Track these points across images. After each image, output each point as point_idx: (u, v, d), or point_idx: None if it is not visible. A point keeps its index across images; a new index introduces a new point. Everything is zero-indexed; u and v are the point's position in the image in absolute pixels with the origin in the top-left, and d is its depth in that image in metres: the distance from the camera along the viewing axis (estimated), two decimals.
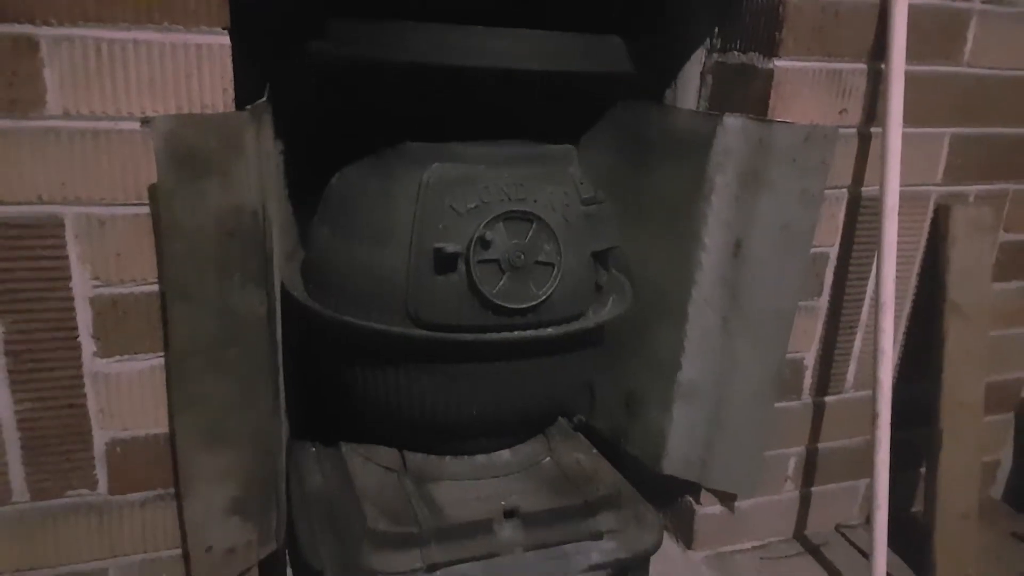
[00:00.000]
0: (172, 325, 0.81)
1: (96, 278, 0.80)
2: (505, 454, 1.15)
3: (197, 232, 0.78)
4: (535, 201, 0.96)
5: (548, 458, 1.17)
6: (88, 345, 0.81)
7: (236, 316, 0.85)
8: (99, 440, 0.85)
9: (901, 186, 1.06)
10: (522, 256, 0.95)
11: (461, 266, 0.94)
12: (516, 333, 0.97)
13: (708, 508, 1.26)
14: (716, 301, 1.14)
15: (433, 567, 0.98)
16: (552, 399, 1.13)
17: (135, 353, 0.83)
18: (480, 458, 1.13)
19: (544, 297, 0.97)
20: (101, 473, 0.86)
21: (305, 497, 1.10)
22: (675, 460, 1.23)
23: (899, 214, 1.05)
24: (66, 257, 0.78)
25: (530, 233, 0.96)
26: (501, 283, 0.95)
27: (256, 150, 0.83)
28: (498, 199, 0.94)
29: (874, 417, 1.10)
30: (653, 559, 1.15)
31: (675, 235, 1.15)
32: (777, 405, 1.21)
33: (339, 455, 1.15)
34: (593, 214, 1.04)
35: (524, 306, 0.96)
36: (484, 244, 0.93)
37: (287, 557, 1.09)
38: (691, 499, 1.26)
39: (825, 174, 1.05)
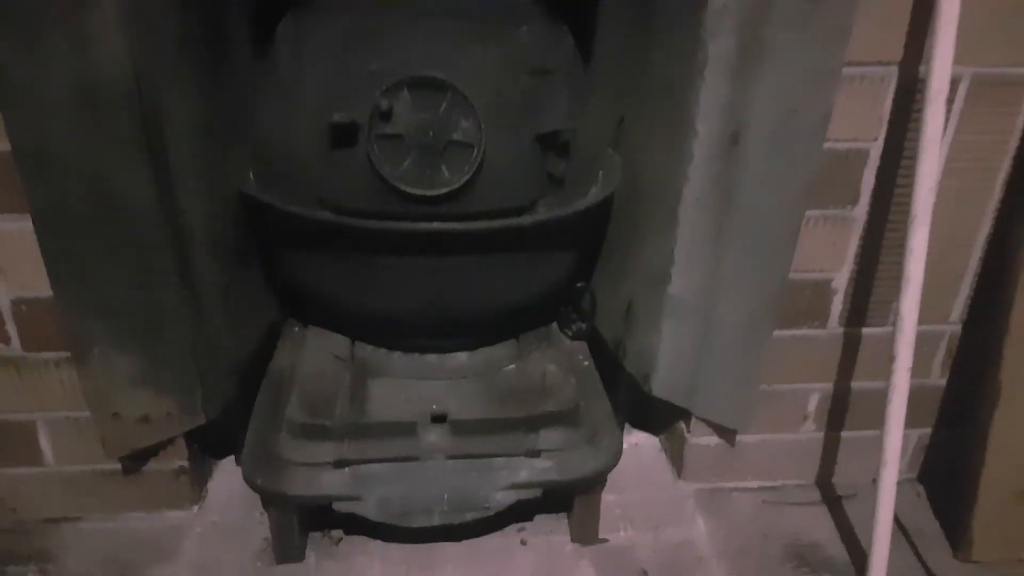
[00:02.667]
0: (32, 198, 0.79)
1: None
2: (460, 356, 1.06)
3: (48, 104, 0.74)
4: (457, 66, 0.82)
5: (512, 365, 1.07)
6: None
7: (115, 195, 0.81)
8: (3, 297, 0.86)
9: (983, 66, 0.79)
10: (431, 133, 0.82)
11: (361, 140, 0.83)
12: (420, 224, 0.86)
13: (701, 438, 1.11)
14: (709, 203, 0.95)
15: (342, 463, 0.93)
16: (508, 302, 1.01)
17: (23, 212, 0.82)
18: (431, 358, 1.05)
19: (459, 184, 0.84)
20: (12, 330, 0.88)
21: (266, 377, 1.09)
22: (664, 382, 1.08)
23: (976, 104, 0.79)
24: None
25: (443, 105, 0.82)
26: (406, 164, 0.83)
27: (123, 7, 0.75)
28: (405, 62, 0.81)
29: (891, 358, 0.88)
30: (640, 482, 1.07)
31: (668, 122, 0.96)
32: (794, 332, 1.02)
33: (304, 337, 1.12)
34: (542, 89, 0.88)
35: (432, 193, 0.84)
36: (384, 116, 0.81)
37: None
38: (684, 425, 1.12)
39: (844, 43, 0.81)
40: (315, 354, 1.08)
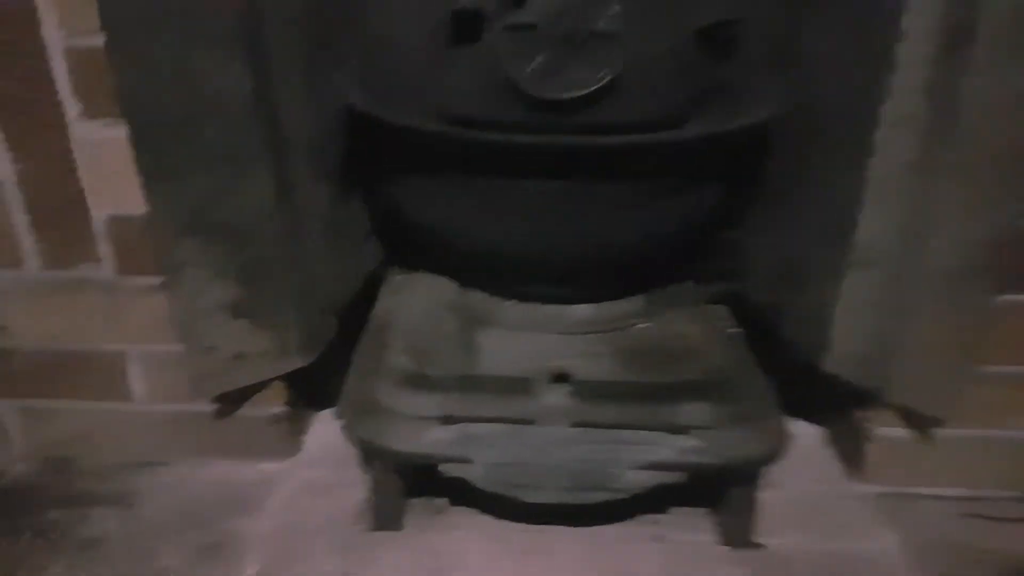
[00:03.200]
0: (126, 99, 0.71)
1: (64, 26, 0.71)
2: (585, 309, 0.90)
3: None
4: None
5: (644, 324, 0.90)
6: (71, 106, 0.75)
7: (211, 97, 0.72)
8: (97, 215, 0.80)
9: None
10: (568, 21, 0.67)
11: (487, 34, 0.69)
12: (551, 137, 0.71)
13: (886, 430, 0.89)
14: (917, 125, 0.74)
15: (449, 419, 0.80)
16: (645, 245, 0.85)
17: (118, 116, 0.74)
18: (549, 309, 0.90)
19: (599, 85, 0.68)
20: (105, 250, 0.82)
21: (368, 323, 0.98)
22: (841, 355, 0.87)
23: None
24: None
25: None
26: (537, 61, 0.69)
27: None
28: None
29: None
30: (803, 480, 0.88)
31: (863, 20, 0.76)
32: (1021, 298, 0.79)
33: (409, 283, 1.01)
34: None
35: (568, 95, 0.69)
36: (516, 1, 0.67)
37: None
38: (862, 413, 0.91)
39: None
40: (420, 300, 0.96)
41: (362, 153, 0.92)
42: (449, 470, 0.79)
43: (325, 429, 0.99)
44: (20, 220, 0.80)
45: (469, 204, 0.83)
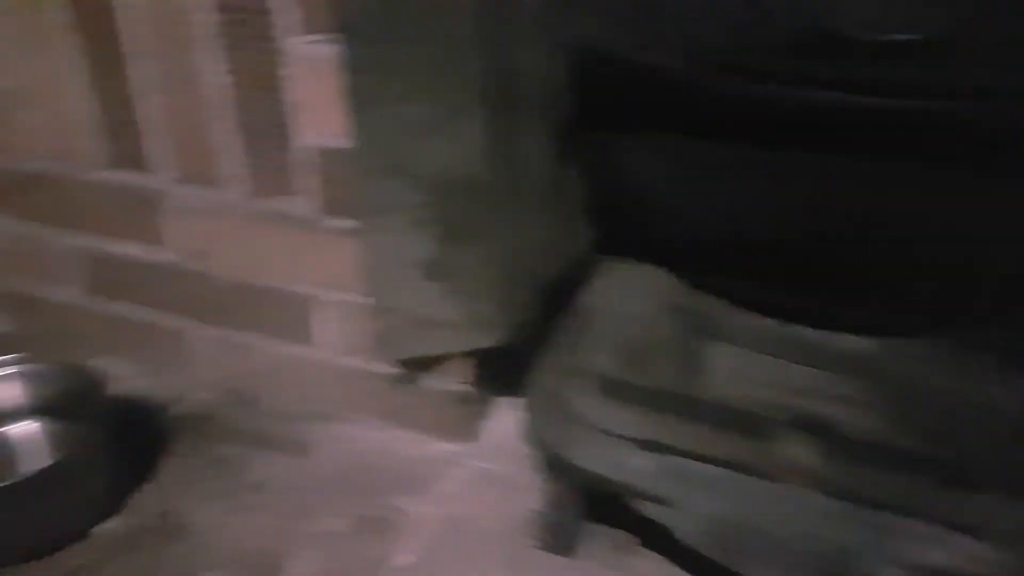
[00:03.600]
0: (344, 11, 0.61)
1: None
2: (858, 341, 0.69)
3: None
4: None
5: (941, 373, 0.68)
6: (284, 16, 0.67)
7: (431, 8, 0.60)
8: (302, 142, 0.72)
9: None
10: None
11: None
12: (874, 97, 0.51)
13: None
14: None
15: (654, 445, 0.64)
16: (965, 262, 0.62)
17: (334, 32, 0.65)
18: (808, 332, 0.70)
19: (942, 28, 0.47)
20: (306, 184, 0.74)
21: (572, 312, 0.85)
22: None
23: None
24: None
25: None
26: None
27: None
28: None
29: None
30: None
31: None
32: None
33: (624, 273, 0.85)
34: None
35: (899, 38, 0.48)
36: None
37: None
38: None
39: None
40: (636, 295, 0.80)
41: (591, 111, 0.77)
42: (646, 509, 0.64)
43: (507, 418, 0.87)
44: (233, 139, 0.74)
45: (721, 180, 0.65)
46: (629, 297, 0.78)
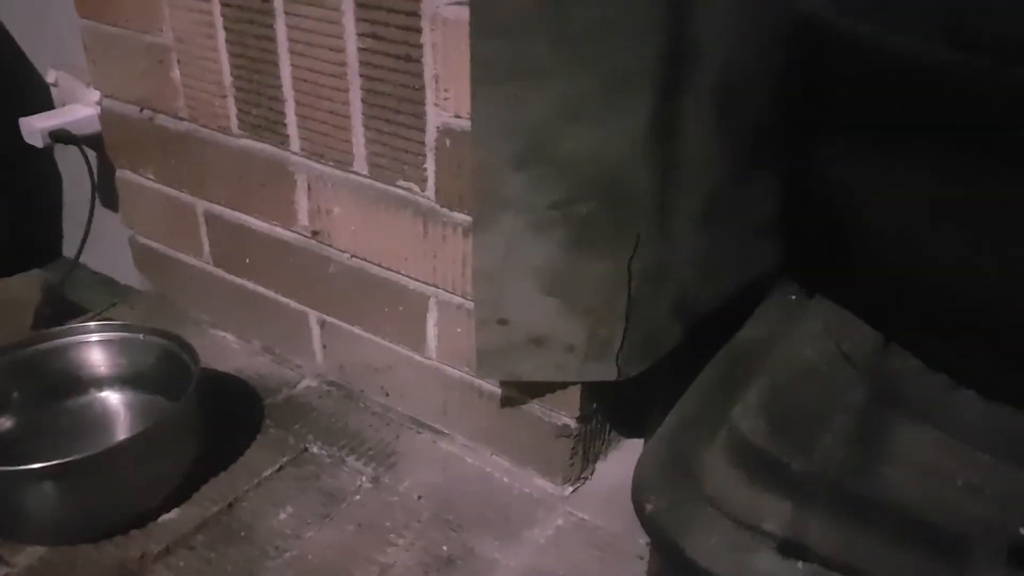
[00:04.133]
0: None
1: None
2: None
3: None
4: None
5: None
6: None
7: None
8: (432, 121, 0.64)
9: None
10: None
11: None
12: None
13: None
14: None
15: (795, 548, 0.49)
16: None
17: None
18: None
19: None
20: (430, 168, 0.66)
21: (726, 349, 0.70)
22: None
23: None
24: None
25: None
26: None
27: None
28: None
29: None
30: None
31: None
32: None
33: (805, 312, 0.69)
34: None
35: None
36: None
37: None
38: None
39: None
40: (809, 337, 0.64)
41: (799, 102, 0.62)
42: None
43: (621, 466, 0.75)
44: (356, 110, 0.68)
45: (969, 207, 0.49)
46: (804, 345, 0.63)
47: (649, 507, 0.55)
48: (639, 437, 0.77)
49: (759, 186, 0.70)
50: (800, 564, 0.49)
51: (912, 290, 0.57)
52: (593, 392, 0.67)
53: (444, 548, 0.66)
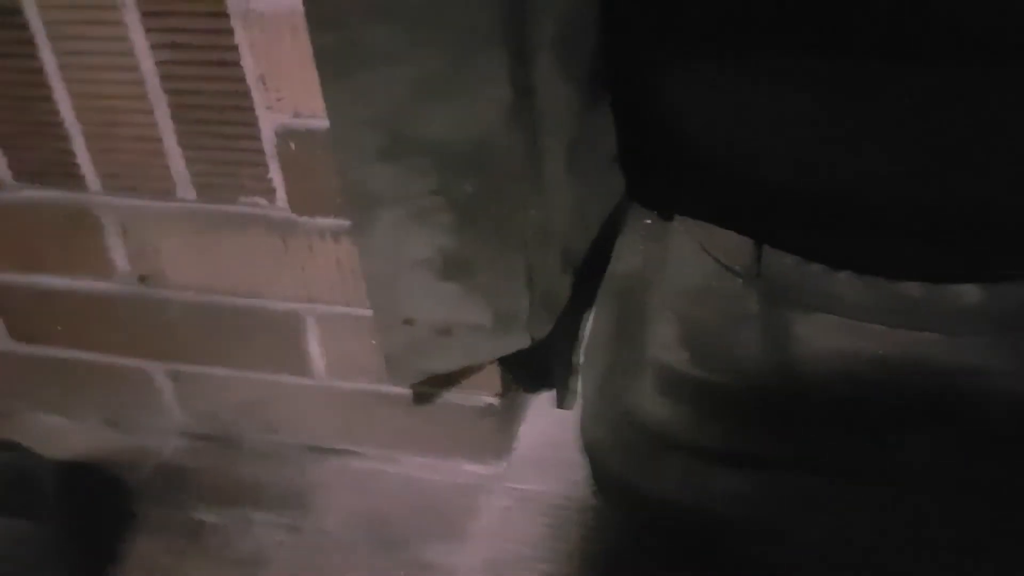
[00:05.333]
0: None
1: None
2: (970, 292, 0.58)
3: None
4: None
5: None
6: None
7: None
8: (267, 126, 0.57)
9: None
10: None
11: None
12: None
13: None
14: None
15: (742, 459, 0.52)
16: None
17: None
18: (910, 287, 0.59)
19: None
20: (276, 177, 0.59)
21: (607, 284, 0.72)
22: None
23: None
24: None
25: None
26: None
27: None
28: None
29: None
30: None
31: None
32: None
33: (669, 232, 0.72)
34: None
35: None
36: None
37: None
38: None
39: None
40: (691, 260, 0.68)
41: (630, 33, 0.63)
42: (741, 543, 0.52)
43: (544, 421, 0.75)
44: (167, 130, 0.58)
45: (800, 97, 0.52)
46: (684, 264, 0.66)
47: (606, 462, 0.56)
48: (546, 388, 0.77)
49: (601, 121, 0.71)
50: (750, 472, 0.52)
51: (769, 192, 0.61)
52: (509, 363, 0.66)
53: (401, 573, 0.62)
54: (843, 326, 0.58)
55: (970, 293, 0.57)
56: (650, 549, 0.57)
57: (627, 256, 0.73)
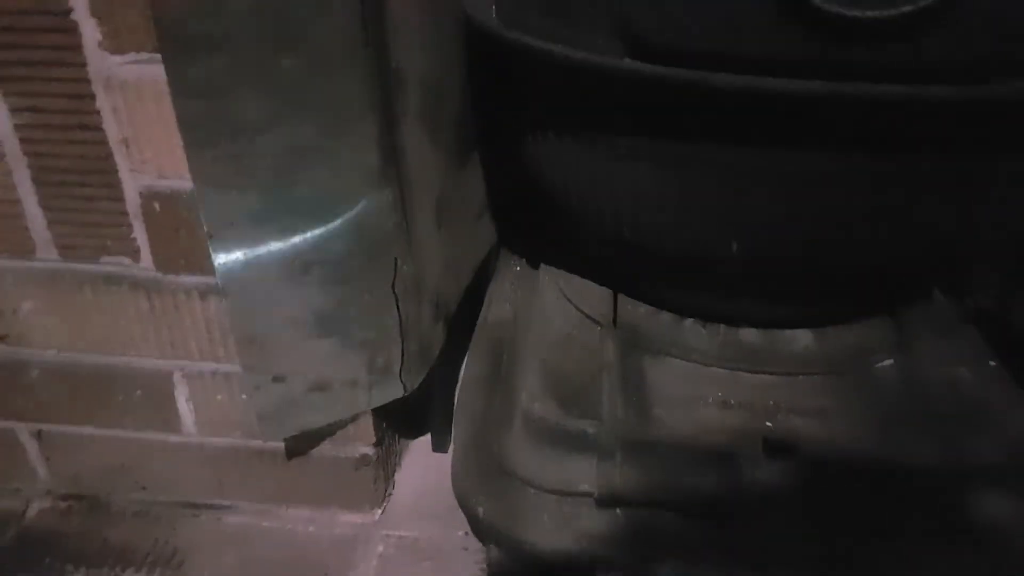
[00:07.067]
0: (158, 19, 0.47)
1: None
2: (801, 336, 0.64)
3: None
4: None
5: (890, 360, 0.64)
6: (90, 32, 0.51)
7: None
8: (130, 188, 0.57)
9: None
10: None
11: None
12: (846, 83, 0.44)
13: None
14: None
15: (612, 499, 0.56)
16: (911, 243, 0.58)
17: (154, 51, 0.50)
18: (749, 334, 0.65)
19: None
20: (140, 237, 0.59)
21: (480, 333, 0.74)
22: None
23: None
24: None
25: None
26: None
27: None
28: None
29: None
30: None
31: None
32: None
33: (535, 280, 0.76)
34: None
35: (887, 13, 0.42)
36: None
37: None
38: None
39: None
40: (553, 307, 0.71)
41: (485, 97, 0.67)
42: None
43: (421, 466, 0.77)
44: (26, 191, 0.57)
45: (651, 173, 0.57)
46: (549, 312, 0.69)
47: (480, 510, 0.58)
48: (421, 434, 0.79)
49: (470, 176, 0.75)
50: (617, 511, 0.56)
51: (624, 248, 0.65)
52: (384, 413, 0.67)
53: None
54: (689, 370, 0.63)
55: (802, 337, 0.64)
56: None
57: (498, 302, 0.76)
